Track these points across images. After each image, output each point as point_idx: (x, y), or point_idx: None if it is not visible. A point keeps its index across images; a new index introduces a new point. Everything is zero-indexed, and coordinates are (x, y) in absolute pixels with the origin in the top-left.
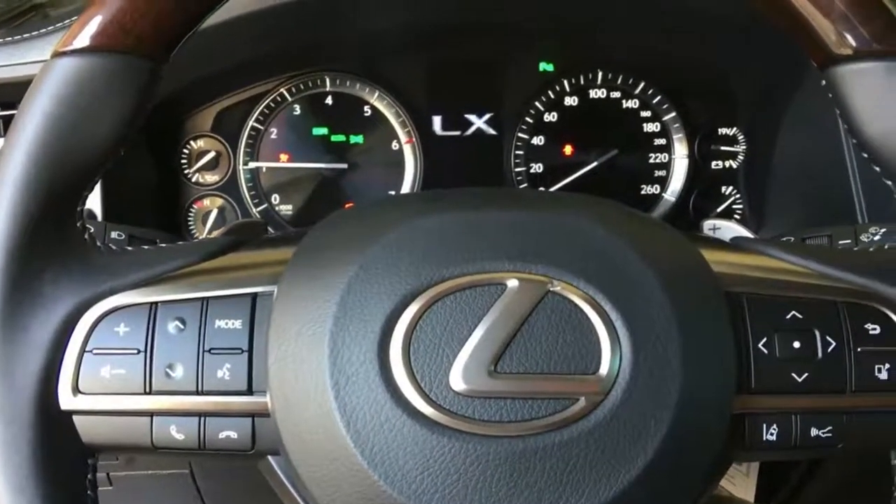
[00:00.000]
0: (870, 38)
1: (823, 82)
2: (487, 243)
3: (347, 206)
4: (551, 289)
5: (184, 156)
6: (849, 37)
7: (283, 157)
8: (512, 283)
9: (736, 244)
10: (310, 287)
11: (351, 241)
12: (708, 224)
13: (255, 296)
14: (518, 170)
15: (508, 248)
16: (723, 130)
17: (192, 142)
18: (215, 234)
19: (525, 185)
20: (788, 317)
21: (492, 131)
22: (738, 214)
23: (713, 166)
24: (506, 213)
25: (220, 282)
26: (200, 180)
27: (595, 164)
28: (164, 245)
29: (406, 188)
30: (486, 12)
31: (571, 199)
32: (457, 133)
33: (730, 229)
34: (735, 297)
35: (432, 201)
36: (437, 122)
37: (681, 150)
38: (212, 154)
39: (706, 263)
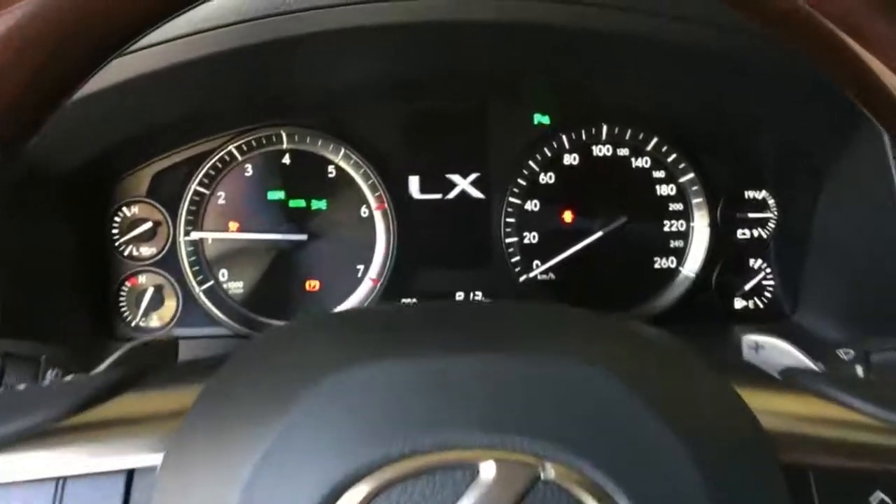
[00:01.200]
0: None
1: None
2: (451, 404)
3: (309, 282)
4: (543, 476)
5: (115, 225)
6: None
7: (233, 225)
8: (486, 466)
9: (790, 382)
10: (205, 463)
11: (268, 392)
12: (748, 341)
13: (131, 473)
14: (509, 240)
15: (481, 413)
16: (750, 194)
17: (124, 209)
18: (103, 366)
19: (517, 257)
20: (875, 502)
21: (478, 194)
22: (769, 292)
23: (739, 236)
24: (476, 357)
25: (86, 450)
26: (134, 254)
27: (600, 233)
28: (19, 388)
29: (377, 262)
30: (470, 59)
31: (563, 324)
32: (437, 196)
33: (778, 350)
34: (797, 472)
35: (380, 336)
36: (413, 183)
37: (701, 217)
38: (148, 224)
39: (754, 419)
